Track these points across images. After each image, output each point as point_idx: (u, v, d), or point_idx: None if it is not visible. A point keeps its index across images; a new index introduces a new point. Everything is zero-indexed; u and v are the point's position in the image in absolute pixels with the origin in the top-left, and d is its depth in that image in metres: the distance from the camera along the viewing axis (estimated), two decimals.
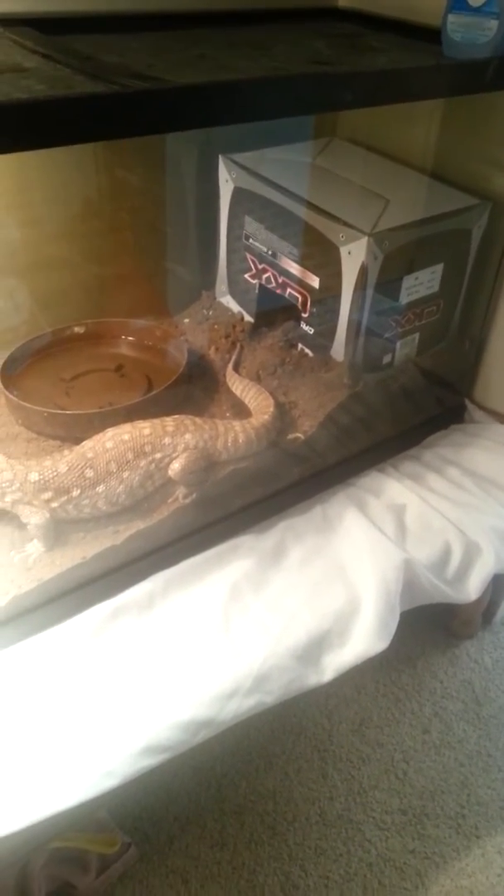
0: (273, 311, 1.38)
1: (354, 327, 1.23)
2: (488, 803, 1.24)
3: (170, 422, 1.09)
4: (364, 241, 1.12)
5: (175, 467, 1.07)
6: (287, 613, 0.99)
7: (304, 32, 1.13)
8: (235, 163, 1.32)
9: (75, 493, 1.01)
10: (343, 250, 1.17)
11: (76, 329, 1.36)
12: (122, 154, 1.31)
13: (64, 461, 1.02)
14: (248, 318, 1.43)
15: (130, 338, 1.38)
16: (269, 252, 1.33)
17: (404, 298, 1.23)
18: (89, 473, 1.02)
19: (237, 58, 0.93)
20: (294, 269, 1.29)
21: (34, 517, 1.00)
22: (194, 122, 0.77)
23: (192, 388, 1.28)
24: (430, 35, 1.00)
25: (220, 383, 1.31)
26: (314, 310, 1.30)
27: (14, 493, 1.00)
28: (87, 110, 0.67)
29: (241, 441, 1.13)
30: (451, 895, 1.13)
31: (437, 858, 1.17)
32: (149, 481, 1.06)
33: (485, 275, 1.29)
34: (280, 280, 1.34)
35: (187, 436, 1.08)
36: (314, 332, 1.32)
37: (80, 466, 1.02)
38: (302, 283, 1.29)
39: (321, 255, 1.21)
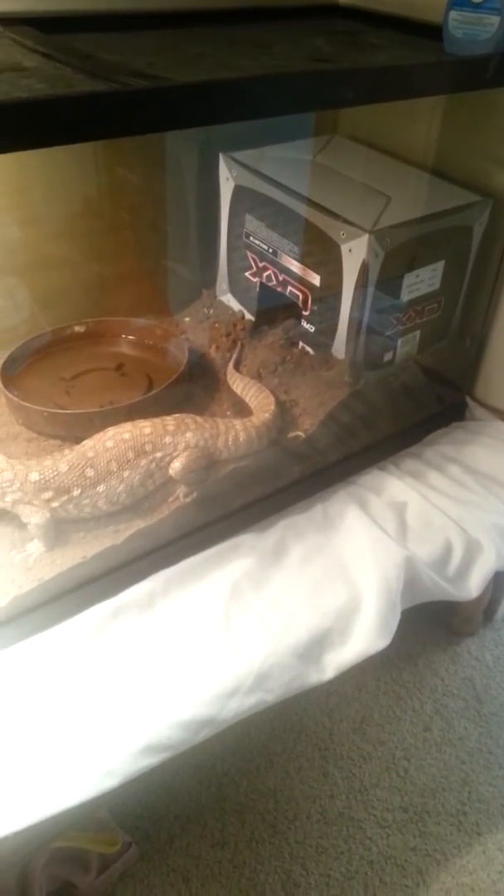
0: (274, 310, 1.38)
1: (355, 325, 1.23)
2: (489, 800, 1.24)
3: (170, 420, 1.09)
4: (365, 238, 1.12)
5: (176, 466, 1.06)
6: (288, 612, 0.99)
7: (305, 30, 1.12)
8: (236, 161, 1.32)
9: (76, 492, 1.01)
10: (344, 248, 1.16)
11: (76, 328, 1.36)
12: (122, 153, 1.31)
13: (64, 460, 1.02)
14: (249, 317, 1.42)
15: (131, 337, 1.38)
16: (270, 250, 1.33)
17: (405, 296, 1.23)
18: (90, 473, 1.01)
19: (237, 56, 0.93)
20: (295, 267, 1.29)
21: (35, 517, 1.00)
22: (195, 120, 0.76)
23: (193, 387, 1.28)
24: (431, 32, 1.00)
25: (220, 382, 1.31)
26: (315, 308, 1.30)
27: (14, 492, 1.00)
28: (88, 109, 0.67)
29: (241, 439, 1.13)
30: (453, 892, 1.13)
31: (438, 856, 1.17)
32: (149, 480, 1.06)
33: (486, 272, 1.28)
34: (281, 278, 1.33)
35: (188, 434, 1.08)
36: (315, 330, 1.32)
37: (80, 466, 1.01)
38: (303, 281, 1.29)
39: (322, 252, 1.21)
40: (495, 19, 0.92)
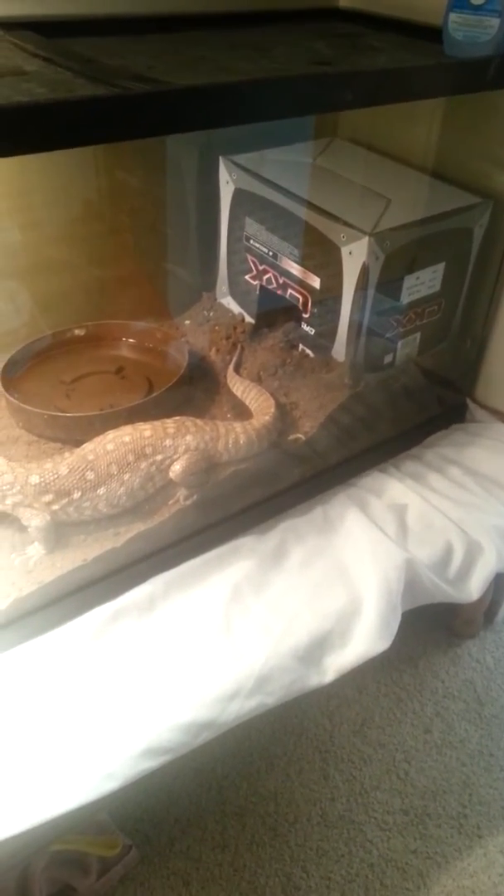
0: (274, 312, 1.38)
1: (355, 327, 1.23)
2: (490, 803, 1.24)
3: (170, 423, 1.09)
4: (365, 240, 1.12)
5: (176, 469, 1.07)
6: (288, 614, 0.99)
7: (305, 33, 1.12)
8: (236, 164, 1.32)
9: (76, 495, 1.01)
10: (344, 250, 1.17)
11: (76, 331, 1.36)
12: (122, 156, 1.31)
13: (65, 463, 1.02)
14: (249, 320, 1.42)
15: (131, 340, 1.38)
16: (270, 253, 1.33)
17: (405, 298, 1.23)
18: (90, 476, 1.02)
19: (237, 59, 0.93)
20: (295, 269, 1.29)
21: (35, 520, 1.00)
22: (195, 123, 0.77)
23: (193, 390, 1.28)
24: (431, 34, 1.00)
25: (220, 385, 1.31)
26: (315, 310, 1.30)
27: (15, 495, 1.00)
28: (89, 113, 0.67)
29: (242, 442, 1.13)
30: (454, 895, 1.13)
31: (439, 858, 1.17)
32: (150, 483, 1.06)
33: (486, 274, 1.28)
34: (281, 281, 1.33)
35: (188, 437, 1.08)
36: (315, 333, 1.32)
37: (80, 469, 1.02)
38: (303, 284, 1.29)
39: (322, 255, 1.21)
40: (495, 21, 0.92)
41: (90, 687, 0.90)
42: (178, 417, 1.11)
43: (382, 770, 1.27)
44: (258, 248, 1.35)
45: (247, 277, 1.42)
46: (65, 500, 1.01)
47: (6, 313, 1.32)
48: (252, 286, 1.41)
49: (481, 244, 1.26)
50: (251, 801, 1.22)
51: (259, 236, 1.34)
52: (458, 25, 0.96)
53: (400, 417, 1.28)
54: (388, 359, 1.30)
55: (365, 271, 1.15)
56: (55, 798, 0.81)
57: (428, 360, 1.34)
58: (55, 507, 1.01)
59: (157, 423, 1.09)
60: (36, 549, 1.00)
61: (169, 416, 1.12)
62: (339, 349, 1.27)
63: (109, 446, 1.04)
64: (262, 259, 1.36)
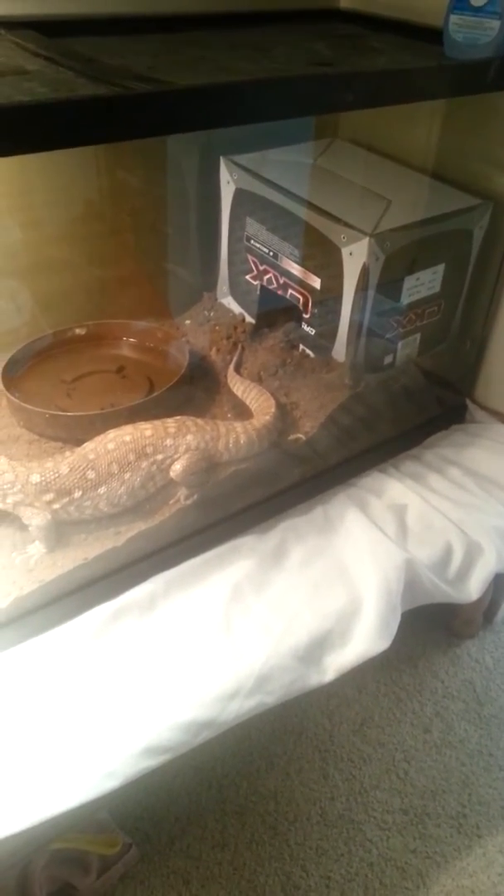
0: (274, 312, 1.38)
1: (356, 328, 1.23)
2: (490, 803, 1.24)
3: (171, 423, 1.09)
4: (365, 241, 1.13)
5: (176, 468, 1.07)
6: (288, 614, 0.99)
7: (305, 34, 1.13)
8: (237, 164, 1.32)
9: (77, 494, 1.01)
10: (344, 251, 1.17)
11: (77, 331, 1.36)
12: (123, 156, 1.32)
13: (65, 463, 1.02)
14: (250, 320, 1.43)
15: (132, 339, 1.38)
16: (271, 253, 1.33)
17: (406, 299, 1.24)
18: (91, 475, 1.02)
19: (238, 59, 0.93)
20: (295, 270, 1.29)
21: (36, 518, 1.00)
22: (196, 123, 0.77)
23: (194, 390, 1.28)
24: (432, 35, 1.00)
25: (221, 384, 1.31)
26: (315, 311, 1.30)
27: (16, 494, 1.00)
28: (90, 113, 0.67)
29: (242, 442, 1.13)
30: (453, 895, 1.13)
31: (438, 858, 1.17)
32: (150, 482, 1.07)
33: (486, 275, 1.29)
34: (281, 281, 1.34)
35: (189, 437, 1.08)
36: (315, 333, 1.32)
37: (81, 468, 1.02)
38: (303, 284, 1.29)
39: (322, 256, 1.21)
40: (496, 23, 0.92)
41: (91, 685, 0.90)
42: (178, 417, 1.12)
43: (382, 769, 1.27)
44: (259, 249, 1.35)
45: (247, 277, 1.42)
46: (66, 499, 1.01)
47: (7, 312, 1.32)
48: (252, 286, 1.41)
49: (481, 245, 1.26)
50: (251, 799, 1.22)
51: (260, 236, 1.34)
52: (458, 27, 0.96)
53: (400, 418, 1.28)
54: (388, 359, 1.30)
55: (365, 272, 1.15)
56: (56, 796, 0.81)
57: (428, 361, 1.34)
58: (56, 505, 1.01)
59: (158, 423, 1.09)
60: (37, 548, 1.01)
61: (170, 415, 1.12)
62: (340, 349, 1.27)
63: (110, 445, 1.04)
64: (262, 259, 1.36)
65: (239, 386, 1.28)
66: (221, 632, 0.97)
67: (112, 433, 1.06)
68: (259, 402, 1.23)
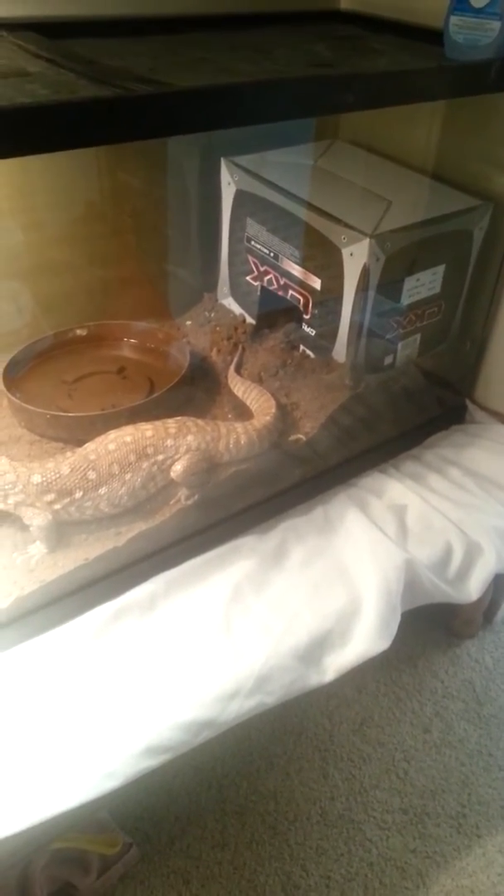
0: (275, 313, 1.38)
1: (356, 329, 1.23)
2: (489, 802, 1.24)
3: (172, 423, 1.10)
4: (366, 242, 1.13)
5: (177, 469, 1.07)
6: (288, 614, 1.00)
7: (305, 35, 1.13)
8: (237, 165, 1.32)
9: (78, 494, 1.01)
10: (345, 252, 1.17)
11: (78, 331, 1.36)
12: (124, 157, 1.32)
13: (66, 463, 1.02)
14: (250, 320, 1.43)
15: (132, 340, 1.39)
16: (271, 254, 1.33)
17: (406, 300, 1.24)
18: (92, 475, 1.02)
19: (238, 61, 0.93)
20: (296, 270, 1.29)
21: (37, 519, 1.00)
22: (197, 125, 0.77)
23: (194, 390, 1.29)
24: (432, 37, 1.00)
25: (221, 385, 1.32)
26: (316, 311, 1.30)
27: (17, 494, 1.00)
28: (91, 114, 0.67)
29: (242, 442, 1.13)
30: (452, 895, 1.13)
31: (438, 858, 1.17)
32: (151, 483, 1.07)
33: (486, 276, 1.29)
34: (282, 282, 1.34)
35: (189, 437, 1.09)
36: (316, 334, 1.32)
37: (82, 468, 1.02)
38: (303, 285, 1.29)
39: (323, 256, 1.22)
40: (496, 24, 0.92)
41: (91, 686, 0.91)
42: (179, 417, 1.12)
43: (382, 769, 1.28)
44: (259, 250, 1.36)
45: (248, 278, 1.42)
46: (66, 500, 1.01)
47: (8, 313, 1.32)
48: (253, 287, 1.42)
49: (481, 246, 1.26)
50: (251, 799, 1.22)
51: (260, 237, 1.34)
52: (458, 28, 0.96)
53: (400, 418, 1.29)
54: (388, 360, 1.30)
55: (365, 273, 1.15)
56: (56, 796, 0.81)
57: (428, 362, 1.34)
58: (57, 506, 1.01)
59: (159, 423, 1.09)
60: (38, 548, 1.01)
61: (170, 416, 1.12)
62: (340, 350, 1.27)
63: (111, 446, 1.04)
64: (263, 260, 1.36)
65: (239, 386, 1.28)
66: (222, 632, 0.97)
67: (113, 434, 1.06)
68: (259, 402, 1.23)
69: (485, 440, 1.30)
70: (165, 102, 0.72)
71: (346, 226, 1.16)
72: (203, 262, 1.48)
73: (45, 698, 0.89)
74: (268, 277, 1.37)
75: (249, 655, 0.94)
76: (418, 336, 1.31)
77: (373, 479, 1.21)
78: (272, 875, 1.14)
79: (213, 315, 1.47)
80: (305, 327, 1.34)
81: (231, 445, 1.12)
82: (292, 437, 1.20)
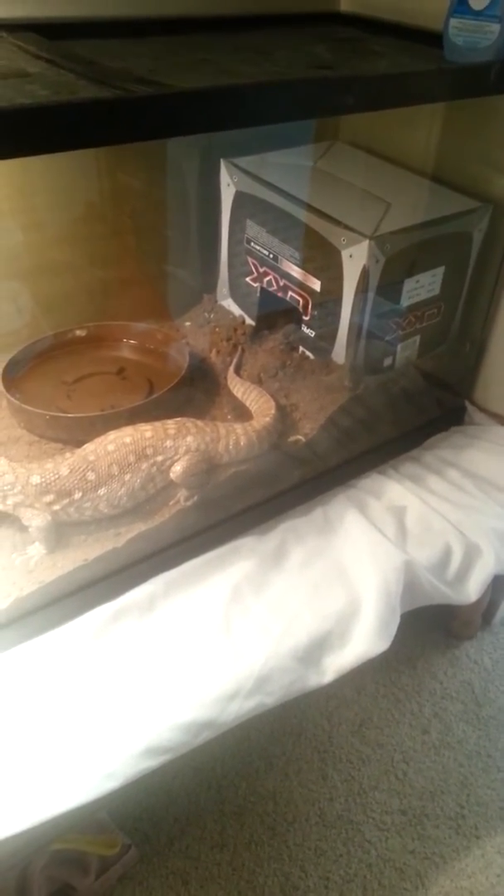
0: (274, 314, 1.38)
1: (355, 330, 1.23)
2: (488, 804, 1.24)
3: (171, 424, 1.10)
4: (365, 244, 1.13)
5: (176, 470, 1.07)
6: (288, 615, 1.00)
7: (306, 37, 1.13)
8: (237, 167, 1.33)
9: (77, 495, 1.01)
10: (344, 253, 1.17)
11: (78, 332, 1.36)
12: (124, 158, 1.32)
13: (66, 464, 1.02)
14: (250, 322, 1.43)
15: (132, 341, 1.39)
16: (271, 255, 1.33)
17: (405, 301, 1.24)
18: (91, 476, 1.02)
19: (239, 62, 0.94)
20: (295, 272, 1.30)
21: (36, 520, 1.00)
22: (197, 126, 0.77)
23: (194, 391, 1.29)
24: (432, 39, 1.00)
25: (221, 386, 1.32)
26: (315, 313, 1.30)
27: (16, 495, 1.00)
28: (91, 115, 0.67)
29: (242, 443, 1.13)
30: None
31: (436, 859, 1.17)
32: (150, 484, 1.07)
33: (485, 277, 1.29)
34: (281, 283, 1.34)
35: (189, 438, 1.09)
36: (315, 335, 1.32)
37: (81, 469, 1.02)
38: (303, 287, 1.30)
39: (322, 258, 1.22)
40: (495, 27, 0.93)
41: (91, 686, 0.91)
42: (178, 418, 1.12)
43: (381, 770, 1.28)
44: (259, 251, 1.36)
45: (247, 279, 1.43)
46: (66, 501, 1.01)
47: (8, 314, 1.32)
48: (252, 288, 1.42)
49: (480, 248, 1.27)
50: (250, 800, 1.22)
51: (260, 239, 1.34)
52: (458, 30, 0.96)
53: (399, 420, 1.29)
54: (387, 361, 1.31)
55: (365, 274, 1.16)
56: (56, 797, 0.81)
57: (427, 363, 1.34)
58: (56, 507, 1.01)
59: (158, 424, 1.09)
60: (37, 549, 1.01)
61: (170, 417, 1.12)
62: (339, 351, 1.28)
63: (110, 447, 1.04)
64: (262, 261, 1.36)
65: (239, 388, 1.28)
66: (221, 633, 0.97)
67: (112, 434, 1.07)
68: (259, 403, 1.23)
69: (484, 442, 1.30)
70: (166, 104, 0.72)
71: (346, 227, 1.16)
72: (202, 264, 1.48)
73: (44, 699, 0.89)
74: (267, 279, 1.37)
75: (249, 656, 0.94)
76: (418, 338, 1.31)
77: (372, 481, 1.21)
78: (271, 876, 1.14)
79: (212, 316, 1.47)
80: (305, 329, 1.34)
81: (230, 446, 1.12)
82: (292, 439, 1.21)
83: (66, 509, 1.02)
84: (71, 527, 1.04)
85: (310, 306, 1.30)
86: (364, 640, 0.99)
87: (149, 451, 1.06)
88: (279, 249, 1.31)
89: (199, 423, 1.12)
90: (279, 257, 1.32)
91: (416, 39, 1.08)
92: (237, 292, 1.46)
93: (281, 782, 1.25)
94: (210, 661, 0.94)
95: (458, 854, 1.18)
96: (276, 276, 1.34)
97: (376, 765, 1.28)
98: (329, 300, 1.25)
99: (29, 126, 0.64)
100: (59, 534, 1.03)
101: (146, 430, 1.07)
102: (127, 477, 1.04)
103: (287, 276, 1.32)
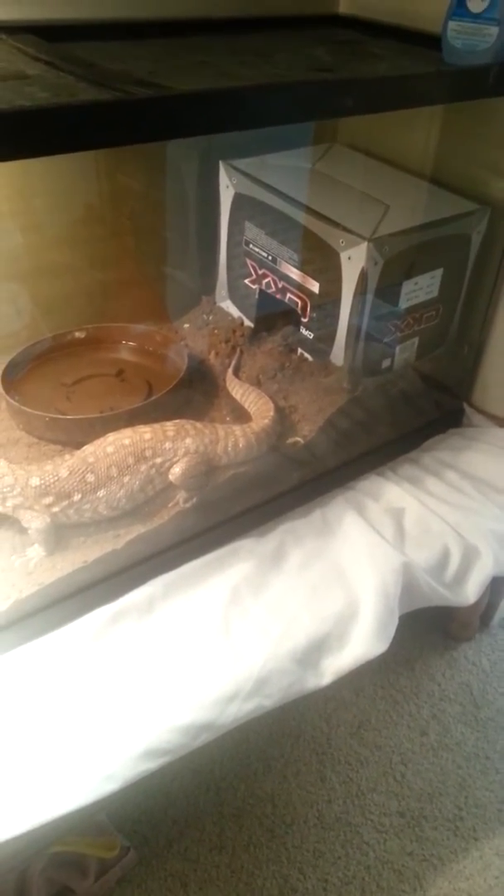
0: (273, 316, 1.38)
1: (354, 332, 1.23)
2: (486, 805, 1.24)
3: (170, 426, 1.10)
4: (364, 246, 1.13)
5: (175, 472, 1.07)
6: (287, 617, 1.00)
7: (305, 39, 1.13)
8: (236, 169, 1.33)
9: (76, 497, 1.01)
10: (343, 255, 1.17)
11: (77, 334, 1.36)
12: (123, 160, 1.32)
13: (65, 466, 1.02)
14: (248, 323, 1.43)
15: (131, 343, 1.39)
16: (270, 257, 1.33)
17: (404, 303, 1.24)
18: (90, 478, 1.02)
19: (238, 65, 0.94)
20: (294, 274, 1.30)
21: (35, 522, 1.00)
22: (197, 128, 0.77)
23: (193, 393, 1.29)
24: (431, 41, 1.01)
25: (220, 388, 1.32)
26: (314, 315, 1.30)
27: (15, 497, 1.00)
28: (91, 117, 0.67)
29: (241, 445, 1.13)
30: None
31: (435, 861, 1.17)
32: (149, 486, 1.07)
33: (484, 280, 1.29)
34: (280, 285, 1.34)
35: (188, 440, 1.09)
36: (314, 337, 1.32)
37: (81, 471, 1.02)
38: (302, 288, 1.30)
39: (321, 260, 1.22)
40: (494, 29, 0.93)
41: (90, 689, 0.90)
42: (177, 420, 1.12)
43: (379, 772, 1.28)
44: (258, 253, 1.36)
45: (246, 281, 1.43)
46: (65, 503, 1.01)
47: (7, 316, 1.32)
48: (251, 290, 1.42)
49: (479, 250, 1.27)
50: (249, 802, 1.22)
51: (258, 240, 1.34)
52: (456, 33, 0.96)
53: (398, 422, 1.29)
54: (386, 363, 1.31)
55: (364, 276, 1.16)
56: (55, 800, 0.81)
57: (426, 365, 1.35)
58: (55, 509, 1.01)
59: (157, 426, 1.09)
60: (36, 551, 1.01)
61: (168, 418, 1.12)
62: (338, 353, 1.28)
63: (109, 449, 1.04)
64: (261, 263, 1.36)
65: (237, 389, 1.28)
66: (220, 634, 0.97)
67: (111, 436, 1.07)
68: (258, 405, 1.23)
69: (482, 443, 1.31)
70: (165, 106, 0.72)
71: (345, 229, 1.16)
72: (201, 265, 1.48)
73: (43, 701, 0.89)
74: (266, 280, 1.37)
75: (248, 658, 0.94)
76: (416, 340, 1.31)
77: (370, 483, 1.21)
78: (270, 878, 1.14)
79: (211, 318, 1.47)
80: (303, 330, 1.34)
81: (229, 448, 1.12)
82: (290, 440, 1.21)
83: (65, 511, 1.02)
84: (70, 529, 1.04)
85: (308, 308, 1.30)
86: (362, 642, 0.99)
87: (148, 453, 1.06)
88: (278, 251, 1.31)
89: (198, 424, 1.12)
90: (278, 259, 1.32)
91: (415, 42, 1.09)
92: (236, 294, 1.47)
93: (279, 784, 1.25)
94: (209, 663, 0.94)
95: (457, 856, 1.18)
96: (275, 277, 1.35)
97: (374, 767, 1.28)
98: (328, 302, 1.25)
99: (29, 128, 0.64)
100: (59, 536, 1.03)
101: (145, 432, 1.07)
102: (126, 479, 1.04)
103: (286, 277, 1.32)
